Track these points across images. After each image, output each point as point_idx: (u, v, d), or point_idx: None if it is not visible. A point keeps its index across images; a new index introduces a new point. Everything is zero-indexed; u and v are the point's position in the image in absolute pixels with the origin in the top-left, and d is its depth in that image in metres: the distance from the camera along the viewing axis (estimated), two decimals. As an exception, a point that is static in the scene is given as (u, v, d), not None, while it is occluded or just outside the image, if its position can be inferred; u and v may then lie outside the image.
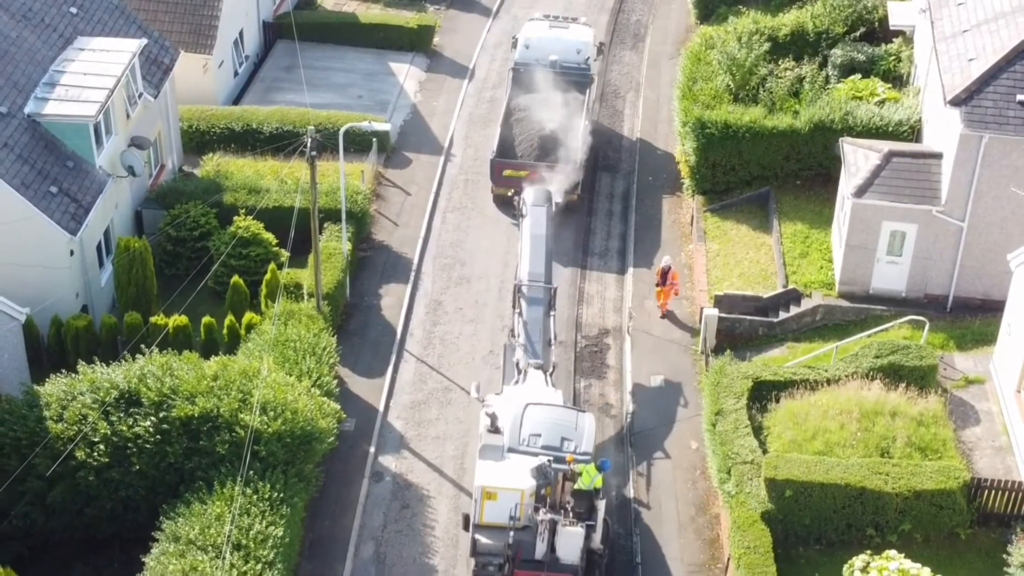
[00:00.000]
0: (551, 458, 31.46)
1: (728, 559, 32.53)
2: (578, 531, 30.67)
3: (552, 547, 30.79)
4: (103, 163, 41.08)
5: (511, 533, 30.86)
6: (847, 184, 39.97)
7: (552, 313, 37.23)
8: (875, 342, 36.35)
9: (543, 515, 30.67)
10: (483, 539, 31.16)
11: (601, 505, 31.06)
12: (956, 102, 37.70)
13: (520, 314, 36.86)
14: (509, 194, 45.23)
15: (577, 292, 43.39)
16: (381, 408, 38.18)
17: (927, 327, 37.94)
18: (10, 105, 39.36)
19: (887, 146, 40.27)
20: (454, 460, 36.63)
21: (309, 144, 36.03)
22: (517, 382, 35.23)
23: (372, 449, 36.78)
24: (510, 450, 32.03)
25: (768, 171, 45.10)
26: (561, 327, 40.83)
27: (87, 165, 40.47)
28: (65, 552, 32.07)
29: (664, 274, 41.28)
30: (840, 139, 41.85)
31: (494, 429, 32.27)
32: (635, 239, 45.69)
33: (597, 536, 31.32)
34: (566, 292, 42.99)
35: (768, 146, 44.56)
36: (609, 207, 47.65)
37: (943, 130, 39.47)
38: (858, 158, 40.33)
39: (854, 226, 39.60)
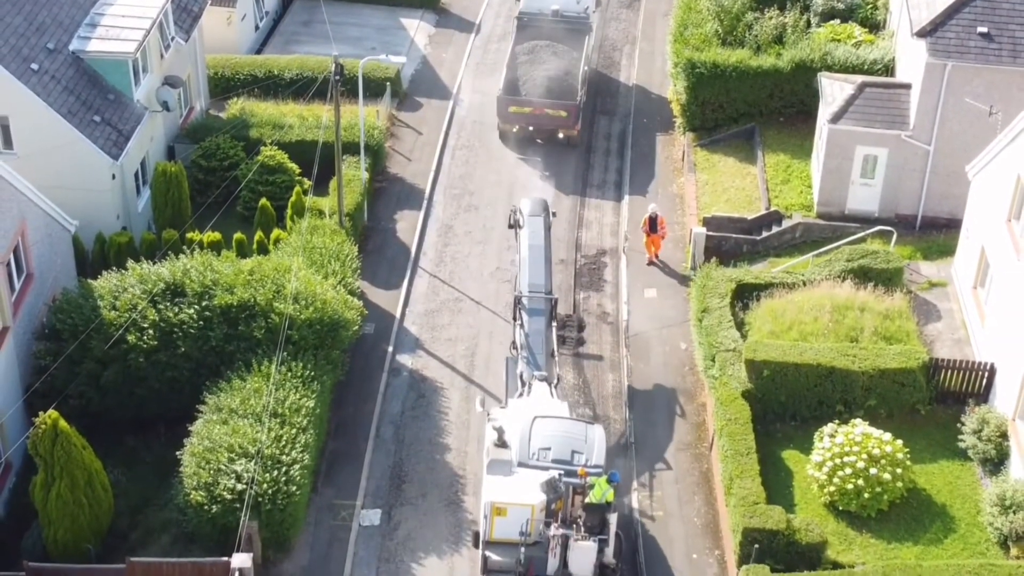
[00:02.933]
0: (561, 472, 31.02)
1: (713, 438, 36.15)
2: (591, 546, 30.17)
3: (564, 563, 30.34)
4: (140, 97, 44.69)
5: (522, 549, 30.35)
6: (824, 112, 43.60)
7: (554, 324, 37.07)
8: (847, 248, 39.94)
9: (555, 530, 30.15)
10: (494, 556, 30.70)
11: (613, 519, 30.61)
12: (922, 34, 41.25)
13: (521, 326, 36.53)
14: (513, 129, 49.56)
15: (577, 218, 47.01)
16: (398, 315, 41.80)
17: (894, 236, 41.56)
18: (56, 42, 42.96)
19: (861, 79, 43.90)
20: (464, 359, 40.25)
21: (334, 68, 39.59)
22: (521, 395, 34.97)
23: (390, 349, 40.40)
24: (520, 465, 31.63)
25: (753, 108, 48.69)
26: (562, 247, 44.57)
27: (126, 99, 44.08)
28: (116, 430, 35.56)
29: (652, 222, 43.95)
30: (819, 74, 45.43)
31: (501, 443, 31.79)
32: (630, 172, 49.31)
33: (610, 550, 30.73)
34: (566, 218, 46.64)
35: (753, 85, 48.15)
36: (607, 145, 51.26)
37: (911, 62, 43.05)
38: (834, 89, 43.95)
39: (830, 150, 43.21)
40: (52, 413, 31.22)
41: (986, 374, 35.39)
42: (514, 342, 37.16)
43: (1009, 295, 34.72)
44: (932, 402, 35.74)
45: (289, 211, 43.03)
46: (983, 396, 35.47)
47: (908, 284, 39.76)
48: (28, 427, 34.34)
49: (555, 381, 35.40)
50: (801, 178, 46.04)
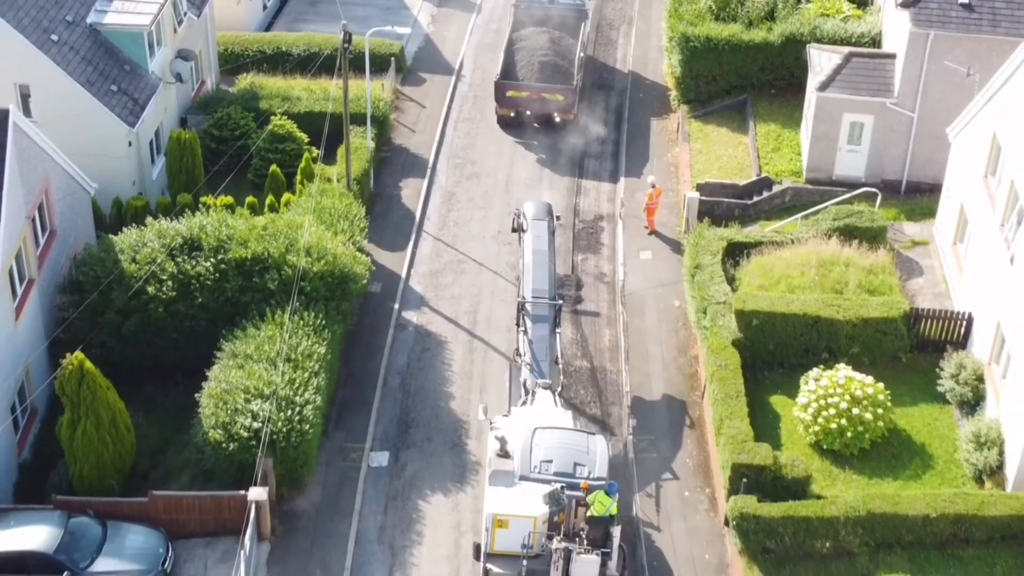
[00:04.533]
0: (563, 484, 30.63)
1: (704, 387, 37.93)
2: (593, 559, 29.74)
3: (567, 575, 30.06)
4: (155, 69, 46.45)
5: (524, 562, 30.11)
6: (813, 81, 45.41)
7: (558, 331, 36.83)
8: (833, 208, 41.74)
9: (557, 543, 29.79)
10: (495, 568, 30.53)
11: (616, 532, 30.25)
12: (906, 4, 43.02)
13: (525, 332, 36.42)
14: (511, 115, 50.91)
15: (575, 185, 48.76)
16: (403, 275, 43.59)
17: (879, 198, 43.38)
18: (75, 15, 44.72)
19: (848, 49, 45.70)
20: (467, 315, 42.03)
21: (343, 35, 41.37)
22: (524, 403, 34.83)
23: (396, 306, 42.20)
24: (522, 478, 31.34)
25: (745, 81, 50.47)
26: (561, 212, 46.34)
27: (141, 70, 45.85)
28: (136, 378, 37.29)
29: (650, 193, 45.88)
30: (808, 45, 47.24)
31: (504, 453, 31.56)
32: (627, 144, 51.07)
33: (613, 564, 30.34)
34: (564, 186, 48.40)
35: (745, 58, 49.93)
36: (604, 118, 52.97)
37: (896, 33, 44.83)
38: (822, 59, 45.76)
39: (818, 117, 45.00)
40: (78, 354, 33.01)
41: (964, 323, 37.17)
42: (517, 349, 37.04)
43: (985, 248, 36.51)
44: (913, 350, 37.52)
45: (299, 177, 44.76)
46: (961, 344, 37.26)
47: (892, 242, 41.54)
48: (52, 370, 36.19)
49: (558, 388, 35.42)
50: (791, 146, 47.81)
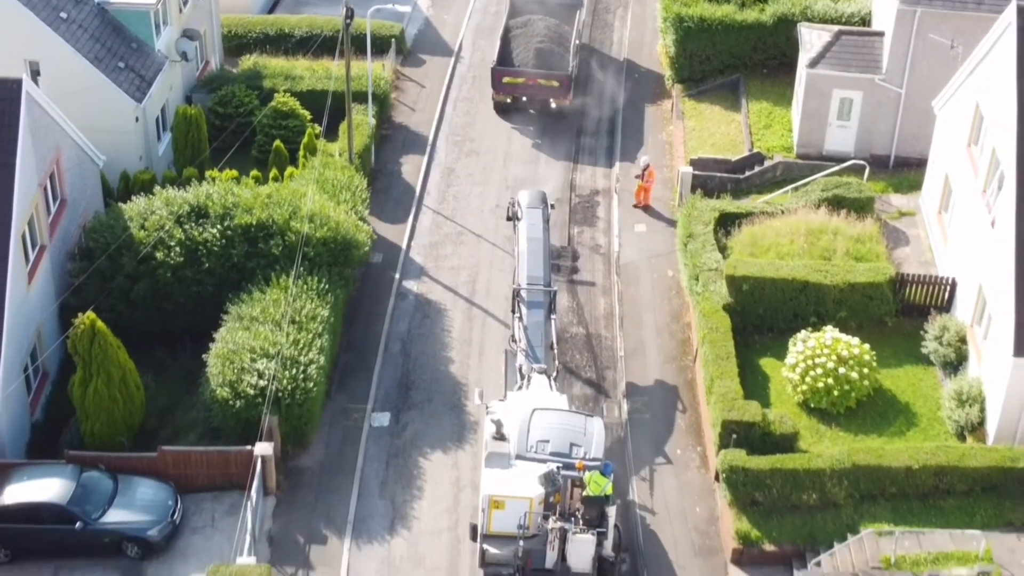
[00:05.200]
0: (560, 465, 30.94)
1: (696, 351, 39.06)
2: (589, 539, 30.08)
3: (563, 556, 30.34)
4: (161, 47, 47.58)
5: (520, 542, 30.27)
6: (803, 58, 46.55)
7: (553, 316, 37.15)
8: (822, 180, 42.89)
9: (553, 523, 30.10)
10: (492, 549, 30.63)
11: (612, 511, 30.60)
12: (894, -18, 44.22)
13: (520, 319, 36.65)
14: (507, 100, 51.92)
15: (572, 162, 49.88)
16: (404, 246, 44.73)
17: (867, 170, 44.54)
18: (83, -6, 45.88)
19: (838, 28, 46.85)
20: (466, 284, 43.17)
21: (345, 11, 42.50)
22: (520, 388, 35.07)
23: (397, 276, 43.34)
24: (518, 457, 31.52)
25: (738, 60, 51.63)
26: (558, 188, 47.52)
27: (148, 48, 46.98)
28: (145, 342, 38.37)
29: (642, 172, 46.51)
30: (799, 24, 48.39)
31: (500, 436, 31.87)
32: (622, 123, 52.20)
33: (608, 543, 30.66)
34: (562, 163, 49.52)
35: (738, 38, 51.08)
36: (600, 98, 54.08)
37: (885, 12, 45.95)
38: (813, 37, 46.91)
39: (809, 93, 46.14)
40: (89, 314, 34.15)
41: (948, 288, 38.32)
42: (513, 335, 37.40)
43: (968, 214, 37.65)
44: (898, 314, 38.67)
45: (302, 152, 45.82)
46: (945, 308, 38.40)
47: (879, 213, 42.68)
48: (63, 341, 37.30)
49: (554, 373, 35.62)
50: (782, 123, 48.95)
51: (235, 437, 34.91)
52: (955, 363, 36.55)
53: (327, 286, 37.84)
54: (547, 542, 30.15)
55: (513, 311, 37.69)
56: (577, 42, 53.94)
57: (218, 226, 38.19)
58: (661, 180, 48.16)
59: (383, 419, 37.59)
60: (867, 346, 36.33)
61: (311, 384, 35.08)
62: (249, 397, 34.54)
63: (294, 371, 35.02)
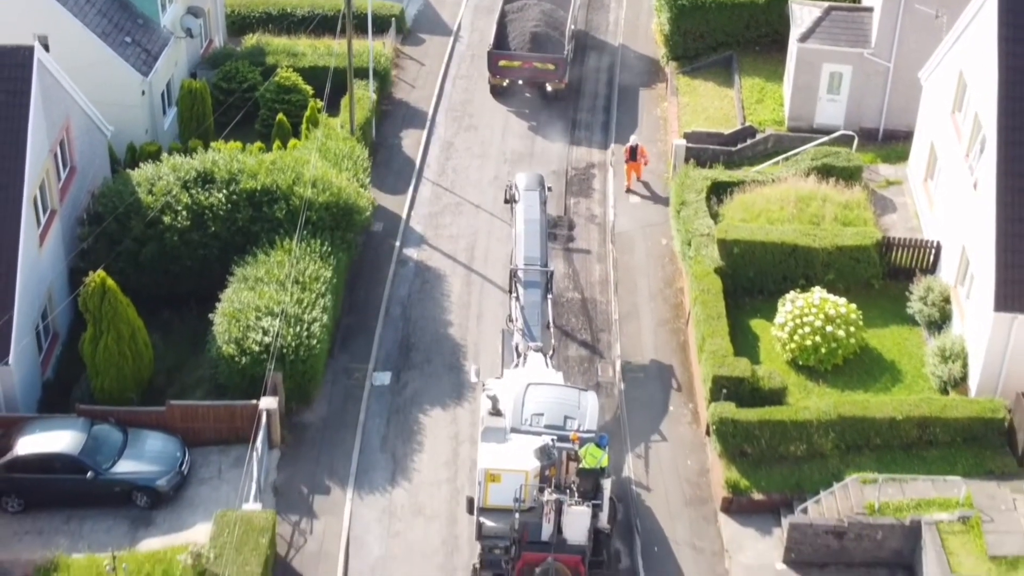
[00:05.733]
0: (555, 438, 31.22)
1: (688, 314, 40.17)
2: (584, 511, 30.37)
3: (559, 528, 30.62)
4: (167, 23, 48.70)
5: (516, 515, 30.53)
6: (794, 33, 47.67)
7: (549, 296, 37.62)
8: (812, 149, 44.02)
9: (548, 495, 30.37)
10: (488, 522, 31.04)
11: (607, 484, 30.92)
12: (882, -42, 45.33)
13: (517, 298, 37.12)
14: (504, 84, 52.79)
15: (569, 136, 51.00)
16: (404, 216, 45.84)
17: (855, 140, 45.68)
18: (90, -30, 46.96)
19: (828, 3, 47.97)
20: (465, 252, 44.29)
21: (346, -13, 43.66)
22: (517, 366, 35.44)
23: (397, 243, 44.45)
24: (513, 430, 31.88)
25: (731, 38, 52.75)
26: (554, 160, 48.63)
27: (154, 24, 48.09)
28: (152, 305, 39.41)
29: (632, 151, 47.32)
30: (790, 1, 49.50)
31: (495, 412, 32.16)
32: (618, 99, 53.33)
33: (604, 516, 31.03)
34: (559, 138, 50.62)
35: (731, 16, 52.19)
36: (596, 76, 55.22)
37: (873, -13, 47.15)
38: (803, 13, 48.02)
39: (799, 68, 47.26)
40: (100, 273, 35.24)
41: (933, 251, 39.45)
42: (510, 315, 37.82)
43: (952, 178, 38.77)
44: (885, 277, 39.80)
45: (304, 125, 46.87)
46: (930, 271, 39.52)
47: (867, 182, 43.79)
48: (73, 304, 38.48)
49: (550, 352, 36.06)
50: (774, 98, 50.07)
51: (241, 393, 35.98)
52: (939, 322, 37.66)
53: (329, 249, 38.97)
54: (543, 514, 30.50)
55: (510, 291, 38.30)
56: (572, 26, 54.97)
57: (224, 191, 39.30)
58: (655, 154, 49.23)
59: (384, 378, 38.70)
60: (853, 306, 37.44)
61: (314, 341, 36.20)
62: (254, 354, 35.64)
63: (298, 328, 36.14)
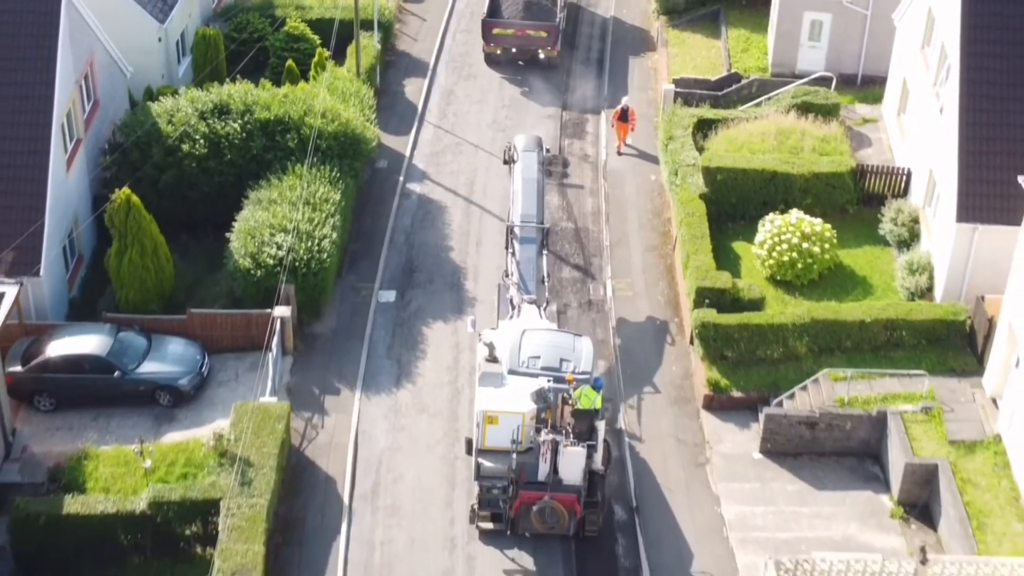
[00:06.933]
0: (550, 379, 32.10)
1: (675, 240, 42.74)
2: (579, 451, 31.11)
3: (555, 468, 31.52)
4: (182, -25, 51.26)
5: (514, 456, 31.40)
6: (776, -17, 50.31)
7: (544, 252, 38.48)
8: (792, 88, 46.61)
9: (545, 435, 31.22)
10: (486, 463, 31.96)
11: (601, 426, 31.70)
12: (858, -90, 47.93)
13: (513, 254, 38.02)
14: (498, 52, 54.57)
15: (564, 85, 53.60)
16: (407, 154, 48.42)
17: (834, 81, 48.32)
18: (109, -78, 49.43)
19: (809, -47, 50.67)
20: (465, 186, 46.88)
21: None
22: (512, 317, 36.38)
23: (401, 179, 47.04)
24: (510, 372, 32.76)
25: (719, -8, 55.52)
26: (550, 107, 51.20)
27: (169, -26, 50.64)
28: (171, 229, 41.86)
29: (623, 113, 49.20)
30: (773, -45, 52.21)
31: (492, 358, 32.99)
32: (611, 52, 55.92)
33: (598, 457, 31.89)
34: (556, 86, 53.22)
35: (718, -29, 54.93)
36: (591, 31, 57.82)
37: (852, -61, 49.76)
38: (786, -36, 50.66)
39: (782, 16, 49.89)
40: (125, 190, 37.81)
41: (904, 177, 42.05)
42: (506, 270, 38.82)
43: (921, 107, 41.38)
44: (859, 203, 42.39)
45: (313, 70, 49.49)
46: (902, 196, 42.09)
47: (844, 119, 46.37)
48: (96, 231, 41.05)
49: (544, 305, 36.94)
50: (759, 48, 52.69)
51: (256, 305, 38.49)
52: (908, 241, 40.26)
53: (338, 175, 41.56)
54: (539, 455, 31.48)
55: (507, 247, 39.45)
56: None
57: (239, 121, 41.87)
58: (646, 100, 51.82)
59: (389, 296, 41.27)
60: (828, 225, 40.02)
61: (324, 256, 38.78)
62: (269, 267, 38.20)
63: (309, 244, 38.72)
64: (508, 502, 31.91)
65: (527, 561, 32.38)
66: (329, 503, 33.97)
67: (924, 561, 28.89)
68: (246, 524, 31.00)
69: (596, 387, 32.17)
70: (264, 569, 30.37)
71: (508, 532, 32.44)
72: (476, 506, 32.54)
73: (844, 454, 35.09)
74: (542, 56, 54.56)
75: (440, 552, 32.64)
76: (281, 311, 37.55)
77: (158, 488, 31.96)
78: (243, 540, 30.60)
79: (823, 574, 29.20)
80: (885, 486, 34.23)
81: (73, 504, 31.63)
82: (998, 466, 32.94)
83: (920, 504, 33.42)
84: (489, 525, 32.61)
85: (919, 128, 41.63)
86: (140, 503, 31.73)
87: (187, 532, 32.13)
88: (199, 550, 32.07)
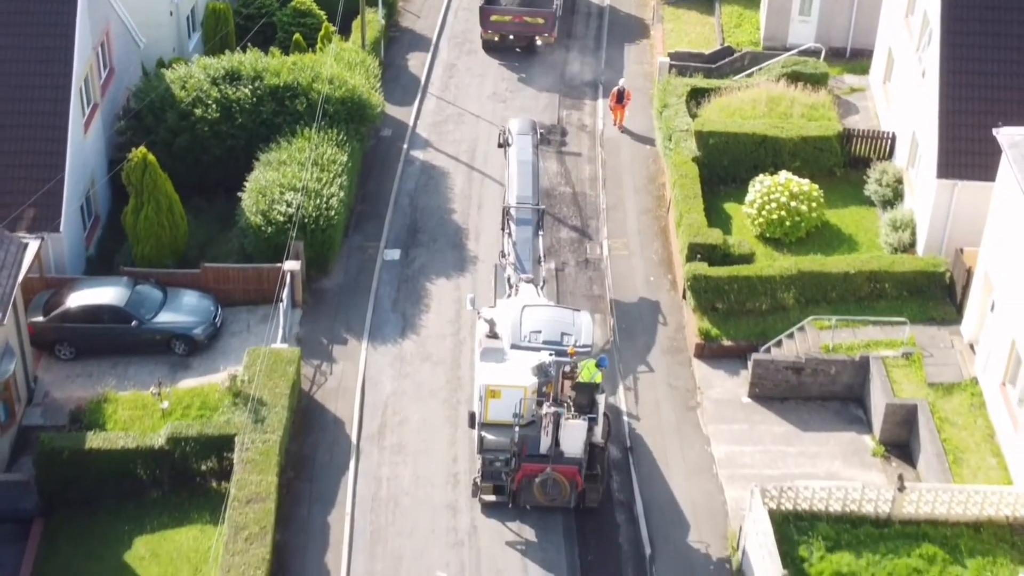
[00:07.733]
0: (552, 353, 32.59)
1: (669, 203, 44.43)
2: (581, 424, 31.63)
3: (556, 441, 32.04)
4: (192, -48, 52.93)
5: (516, 429, 31.87)
6: (768, -41, 52.01)
7: (540, 233, 38.75)
8: (783, 59, 48.31)
9: (547, 409, 31.66)
10: (489, 436, 32.43)
11: (601, 400, 32.18)
12: None
13: (510, 235, 38.43)
14: (495, 38, 55.71)
15: (563, 58, 55.30)
16: (411, 124, 50.12)
17: (823, 52, 50.02)
18: (122, -99, 51.11)
19: (800, -72, 52.43)
20: (467, 153, 48.57)
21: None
22: (509, 296, 36.84)
23: (405, 146, 48.75)
24: (512, 347, 33.21)
25: (713, -30, 57.15)
26: (549, 78, 52.91)
27: (181, -49, 52.29)
28: (184, 191, 43.47)
29: (620, 94, 50.78)
30: (764, -67, 53.91)
31: (493, 335, 33.54)
32: (608, 29, 57.63)
33: (599, 430, 32.42)
34: (554, 59, 54.92)
35: (713, -51, 56.59)
36: (588, 10, 59.51)
37: (841, -83, 51.47)
38: (777, -59, 52.38)
39: (774, -9, 51.65)
40: (142, 149, 39.49)
41: (889, 141, 43.75)
42: (503, 250, 39.42)
43: (905, 73, 43.08)
44: (846, 166, 44.08)
45: (319, 44, 51.17)
46: (887, 159, 43.77)
47: (832, 88, 48.09)
48: (112, 191, 42.69)
49: (541, 284, 37.37)
50: (752, 23, 54.40)
51: (266, 261, 40.13)
52: (892, 201, 41.94)
53: (345, 138, 43.24)
54: (541, 428, 31.98)
55: (503, 228, 40.01)
56: None
57: (250, 86, 43.57)
58: (642, 74, 53.52)
59: (394, 254, 42.95)
60: (816, 185, 41.70)
61: (332, 213, 40.47)
62: (279, 224, 39.87)
63: (318, 201, 40.39)
64: (510, 475, 32.55)
65: (528, 533, 33.14)
66: (338, 442, 35.67)
67: (902, 488, 30.57)
68: (260, 457, 32.67)
69: (601, 365, 32.74)
70: (277, 499, 32.03)
71: (510, 504, 33.17)
72: (479, 479, 33.07)
73: (829, 398, 36.76)
74: (539, 43, 55.73)
75: (443, 487, 34.30)
76: (291, 265, 39.19)
77: (176, 425, 33.63)
78: (257, 472, 32.26)
79: (806, 501, 30.85)
80: (868, 427, 35.91)
81: (95, 439, 33.27)
82: (974, 406, 34.61)
83: (901, 444, 35.07)
84: (492, 497, 33.25)
85: (903, 93, 43.31)
86: (159, 439, 33.37)
87: (203, 467, 33.76)
88: (214, 484, 33.69)
